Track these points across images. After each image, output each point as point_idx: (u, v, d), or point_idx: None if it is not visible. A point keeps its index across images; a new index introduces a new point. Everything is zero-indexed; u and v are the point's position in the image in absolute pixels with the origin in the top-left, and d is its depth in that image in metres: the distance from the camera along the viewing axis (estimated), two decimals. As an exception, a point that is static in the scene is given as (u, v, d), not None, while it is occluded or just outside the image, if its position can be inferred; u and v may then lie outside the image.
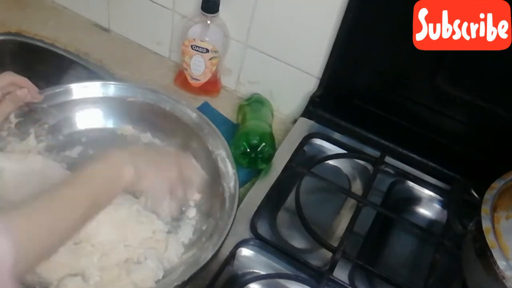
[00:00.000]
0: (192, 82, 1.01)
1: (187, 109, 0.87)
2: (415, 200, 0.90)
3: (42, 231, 0.53)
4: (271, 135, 0.89)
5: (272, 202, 0.83)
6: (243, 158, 0.87)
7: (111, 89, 0.88)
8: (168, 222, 0.77)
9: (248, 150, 0.86)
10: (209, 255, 0.69)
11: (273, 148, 0.88)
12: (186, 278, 0.66)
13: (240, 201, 0.78)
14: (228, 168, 0.80)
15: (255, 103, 0.97)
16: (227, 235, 0.72)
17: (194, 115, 0.86)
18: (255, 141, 0.86)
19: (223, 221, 0.74)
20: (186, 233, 0.77)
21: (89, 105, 0.88)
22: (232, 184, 0.78)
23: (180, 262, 0.73)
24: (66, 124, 0.87)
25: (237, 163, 0.83)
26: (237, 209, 0.75)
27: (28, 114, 0.82)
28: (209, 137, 0.83)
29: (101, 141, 0.88)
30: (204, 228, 0.77)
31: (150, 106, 0.88)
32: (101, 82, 0.88)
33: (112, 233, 0.72)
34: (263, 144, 0.86)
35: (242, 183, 0.85)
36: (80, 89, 0.86)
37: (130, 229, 0.73)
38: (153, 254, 0.72)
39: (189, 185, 0.75)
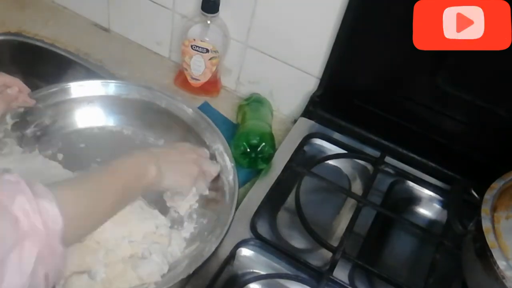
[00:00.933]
0: (192, 82, 1.01)
1: (183, 105, 0.87)
2: (415, 200, 0.90)
3: (85, 206, 0.57)
4: (271, 135, 0.89)
5: (272, 202, 0.83)
6: (243, 158, 0.87)
7: (106, 87, 0.88)
8: (170, 217, 0.78)
9: (248, 150, 0.86)
10: (213, 247, 0.70)
11: (273, 147, 0.88)
12: (191, 271, 0.67)
13: (240, 201, 0.79)
14: (226, 162, 0.80)
15: (254, 102, 0.97)
16: (229, 227, 0.72)
17: (190, 110, 0.86)
18: (255, 141, 0.86)
19: (224, 214, 0.74)
20: (187, 227, 0.78)
21: (84, 104, 0.88)
22: (231, 177, 0.78)
23: (183, 256, 0.73)
24: (62, 124, 0.87)
25: (237, 163, 0.83)
26: (237, 202, 0.76)
27: (24, 115, 0.82)
28: (206, 132, 0.84)
29: (98, 140, 0.88)
30: (205, 222, 0.77)
31: (146, 104, 0.88)
32: (94, 81, 0.89)
33: (116, 229, 0.73)
34: (263, 144, 0.86)
35: (242, 183, 0.85)
36: (76, 88, 0.87)
37: (133, 225, 0.74)
38: (157, 249, 0.73)
39: (208, 177, 0.79)
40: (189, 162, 0.75)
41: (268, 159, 0.87)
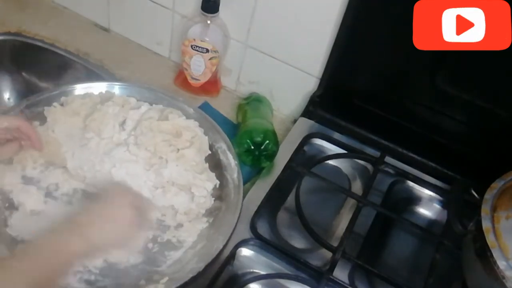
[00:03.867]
0: (192, 82, 1.01)
1: (184, 105, 0.87)
2: (415, 200, 0.90)
3: None
4: (273, 133, 0.89)
5: (272, 202, 0.83)
6: (247, 156, 0.87)
7: (106, 88, 0.88)
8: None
9: (252, 147, 0.86)
10: (221, 246, 0.70)
11: (277, 145, 0.88)
12: (201, 269, 0.67)
13: (240, 201, 0.79)
14: (230, 160, 0.80)
15: (254, 101, 0.97)
16: (236, 225, 0.72)
17: (191, 110, 0.86)
18: (258, 139, 0.86)
19: (230, 212, 0.74)
20: (193, 227, 0.77)
21: None
22: (235, 175, 0.79)
23: (192, 255, 0.73)
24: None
25: (241, 161, 0.83)
26: (243, 199, 0.76)
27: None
28: (209, 132, 0.84)
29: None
30: (211, 220, 0.77)
31: None
32: (98, 83, 0.88)
33: None
34: (267, 141, 0.86)
35: (242, 183, 0.85)
36: (80, 90, 0.86)
37: None
38: None
39: (148, 206, 0.73)
40: (118, 209, 0.66)
41: (271, 156, 0.87)
